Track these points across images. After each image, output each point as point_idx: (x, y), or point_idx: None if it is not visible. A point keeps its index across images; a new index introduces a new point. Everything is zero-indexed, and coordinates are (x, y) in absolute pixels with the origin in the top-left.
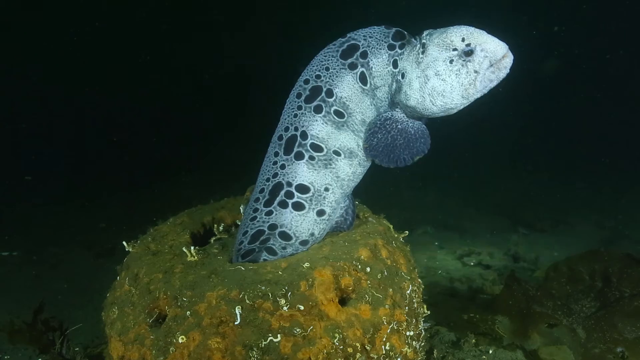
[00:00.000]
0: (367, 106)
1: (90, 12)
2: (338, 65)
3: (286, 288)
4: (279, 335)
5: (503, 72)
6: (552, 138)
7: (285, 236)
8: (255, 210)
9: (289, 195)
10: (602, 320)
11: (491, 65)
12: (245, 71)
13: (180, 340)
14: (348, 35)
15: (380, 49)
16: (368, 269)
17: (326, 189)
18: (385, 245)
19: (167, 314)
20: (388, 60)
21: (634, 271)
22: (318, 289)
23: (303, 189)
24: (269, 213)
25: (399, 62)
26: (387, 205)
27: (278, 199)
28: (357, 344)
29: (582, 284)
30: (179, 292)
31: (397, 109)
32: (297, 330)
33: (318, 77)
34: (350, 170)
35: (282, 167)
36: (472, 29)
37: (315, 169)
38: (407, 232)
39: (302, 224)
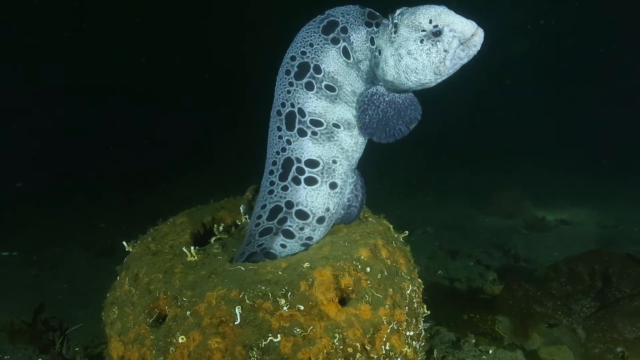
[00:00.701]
0: (354, 78)
1: (90, 12)
2: (321, 41)
3: (286, 288)
4: (279, 335)
5: (473, 50)
6: (551, 138)
7: (302, 215)
8: (272, 183)
9: (300, 171)
10: (602, 320)
11: (461, 44)
12: (245, 71)
13: (180, 340)
14: (326, 12)
15: (358, 25)
16: (368, 269)
17: (334, 162)
18: (385, 245)
19: (167, 314)
20: (366, 37)
21: (634, 271)
22: (318, 289)
23: (312, 163)
24: (285, 188)
25: (375, 39)
26: (387, 205)
27: (291, 174)
28: (357, 344)
29: (582, 284)
30: (179, 292)
31: (380, 84)
32: (297, 330)
33: (304, 53)
34: (352, 141)
35: (288, 142)
36: (440, 9)
37: (320, 143)
38: (407, 232)
39: (317, 198)
